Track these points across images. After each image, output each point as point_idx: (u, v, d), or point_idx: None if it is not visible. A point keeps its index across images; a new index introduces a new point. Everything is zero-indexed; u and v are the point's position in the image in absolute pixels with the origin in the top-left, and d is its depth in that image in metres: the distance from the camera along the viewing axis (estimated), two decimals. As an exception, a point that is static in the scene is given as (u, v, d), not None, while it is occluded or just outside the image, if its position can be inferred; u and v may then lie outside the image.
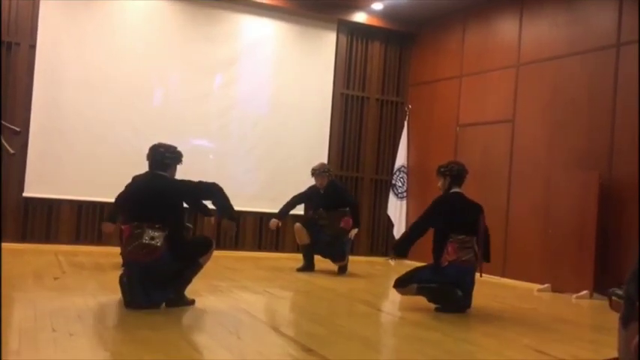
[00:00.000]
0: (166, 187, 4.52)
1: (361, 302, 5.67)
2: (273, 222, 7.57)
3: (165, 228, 4.36)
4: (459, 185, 5.28)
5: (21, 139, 7.79)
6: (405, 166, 9.74)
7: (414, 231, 5.34)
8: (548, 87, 7.69)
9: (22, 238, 7.90)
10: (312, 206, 7.57)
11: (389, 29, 9.89)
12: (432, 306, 5.13)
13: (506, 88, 8.27)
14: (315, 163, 7.88)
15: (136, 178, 4.89)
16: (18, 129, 7.36)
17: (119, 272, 4.60)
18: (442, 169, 5.31)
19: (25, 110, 7.89)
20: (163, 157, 4.59)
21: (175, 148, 4.71)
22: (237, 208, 8.70)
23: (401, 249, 5.43)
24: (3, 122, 7.07)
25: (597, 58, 7.14)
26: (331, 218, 7.33)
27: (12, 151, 6.93)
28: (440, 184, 5.34)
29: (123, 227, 4.50)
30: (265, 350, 3.56)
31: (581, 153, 7.18)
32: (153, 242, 4.29)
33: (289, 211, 7.65)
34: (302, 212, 8.38)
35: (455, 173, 5.26)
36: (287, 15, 9.35)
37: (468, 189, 5.49)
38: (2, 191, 7.62)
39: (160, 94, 8.77)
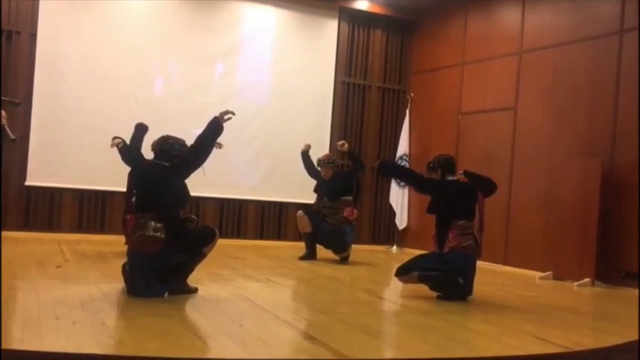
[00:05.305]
0: (166, 176, 4.52)
1: (363, 290, 5.68)
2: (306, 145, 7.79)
3: (169, 219, 4.37)
4: (453, 173, 5.32)
5: (22, 128, 7.79)
6: (407, 154, 9.72)
7: (411, 173, 5.60)
8: (550, 74, 7.66)
9: (25, 226, 7.93)
10: (319, 195, 7.60)
11: (391, 17, 9.85)
12: (434, 294, 5.15)
13: (508, 76, 8.24)
14: (317, 152, 7.89)
15: (142, 162, 4.85)
16: (18, 100, 7.30)
17: (122, 261, 4.62)
18: (431, 165, 5.38)
19: (26, 99, 7.88)
20: (172, 148, 4.58)
21: (184, 141, 4.69)
22: (238, 197, 9.05)
23: (387, 167, 6.26)
24: (3, 97, 6.99)
25: (600, 45, 7.11)
26: (335, 207, 7.36)
27: (13, 137, 6.86)
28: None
29: (128, 217, 4.51)
30: (267, 338, 3.57)
31: (583, 140, 7.17)
32: (157, 234, 4.31)
33: (308, 161, 7.71)
34: (311, 201, 8.36)
35: (444, 163, 5.32)
36: (288, 2, 9.30)
37: (470, 177, 5.50)
38: (3, 180, 7.63)
39: (160, 83, 8.76)
